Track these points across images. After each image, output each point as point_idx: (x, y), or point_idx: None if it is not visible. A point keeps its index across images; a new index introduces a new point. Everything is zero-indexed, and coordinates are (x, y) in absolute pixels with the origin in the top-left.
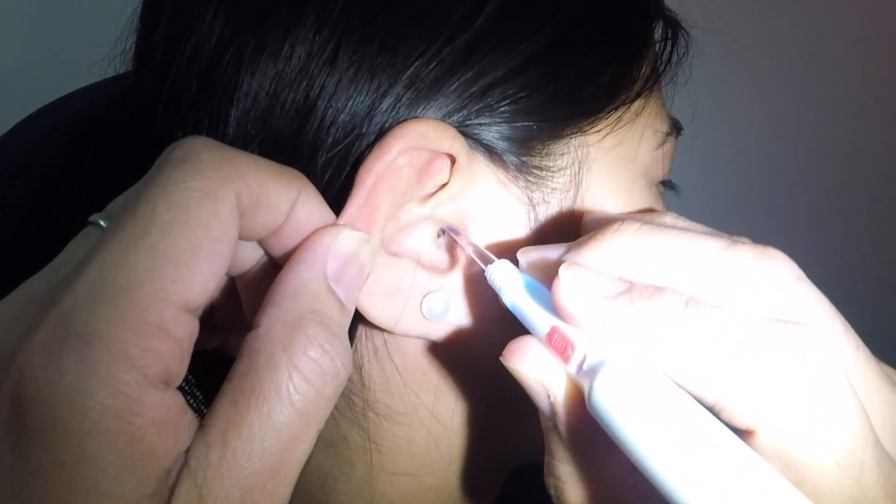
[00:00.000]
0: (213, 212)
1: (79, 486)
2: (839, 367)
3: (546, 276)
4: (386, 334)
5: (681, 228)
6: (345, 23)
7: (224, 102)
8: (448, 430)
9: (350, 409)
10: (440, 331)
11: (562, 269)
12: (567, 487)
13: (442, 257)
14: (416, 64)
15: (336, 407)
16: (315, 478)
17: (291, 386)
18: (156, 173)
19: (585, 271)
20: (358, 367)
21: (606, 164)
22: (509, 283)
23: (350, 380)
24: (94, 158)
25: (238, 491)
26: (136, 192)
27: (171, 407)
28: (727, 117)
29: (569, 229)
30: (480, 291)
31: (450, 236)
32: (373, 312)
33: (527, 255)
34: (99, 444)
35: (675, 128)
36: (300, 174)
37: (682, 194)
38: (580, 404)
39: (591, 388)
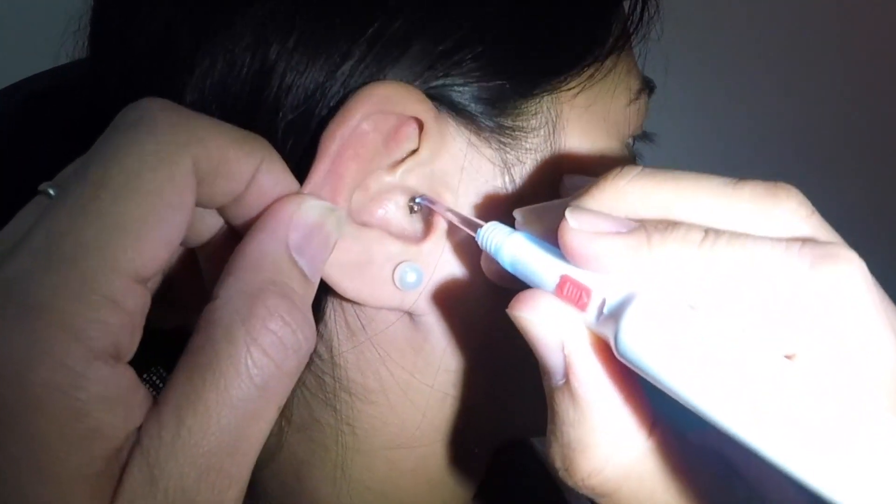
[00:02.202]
0: (167, 177)
1: (20, 465)
2: (872, 286)
3: (546, 230)
4: (357, 308)
5: (681, 172)
6: None
7: (180, 69)
8: (425, 408)
9: (321, 389)
10: (414, 302)
11: (568, 212)
12: (577, 455)
13: (415, 226)
14: (378, 23)
15: (307, 388)
16: (289, 466)
17: (250, 360)
18: (108, 136)
19: (593, 212)
20: (328, 344)
21: (580, 123)
22: (506, 242)
23: (320, 358)
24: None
25: (193, 471)
26: (85, 157)
27: (121, 382)
28: (701, 72)
29: (546, 189)
30: (460, 258)
31: (426, 206)
32: (342, 285)
33: (524, 212)
34: (41, 420)
35: (647, 85)
36: (264, 140)
37: (658, 144)
38: (600, 349)
39: (618, 328)
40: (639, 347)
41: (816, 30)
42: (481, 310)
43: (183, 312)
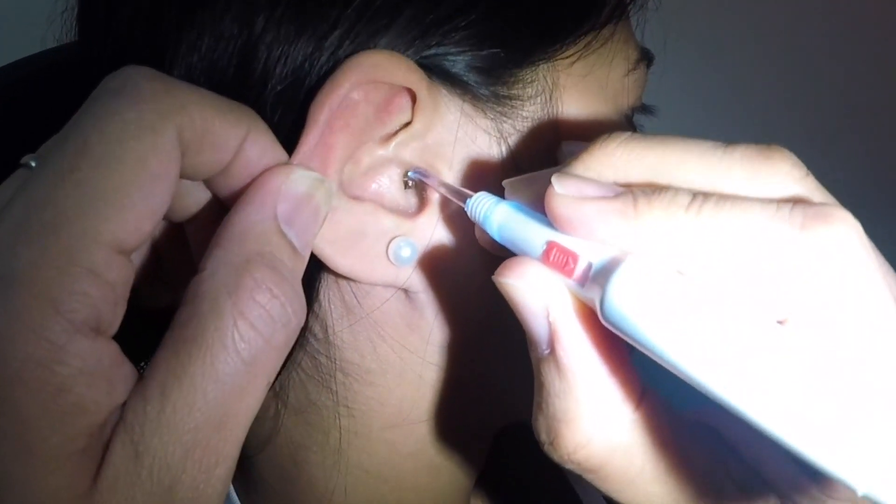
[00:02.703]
0: (151, 146)
1: (1, 442)
2: (869, 248)
3: (535, 199)
4: (352, 285)
5: (671, 136)
6: None
7: (167, 43)
8: (422, 387)
9: (317, 371)
10: (408, 277)
11: (554, 178)
12: (563, 427)
13: (409, 200)
14: None
15: (303, 369)
16: (286, 450)
17: (237, 333)
18: (89, 105)
19: (580, 178)
20: (323, 323)
21: (577, 91)
22: (493, 211)
23: (315, 338)
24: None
25: (179, 448)
26: (65, 127)
27: (104, 357)
28: (701, 39)
29: (543, 157)
30: (455, 232)
31: (419, 179)
32: (334, 259)
33: (513, 182)
34: (21, 395)
35: (646, 56)
36: (250, 110)
37: (659, 116)
38: (586, 318)
39: (604, 291)
40: (624, 311)
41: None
42: (476, 285)
43: (175, 290)
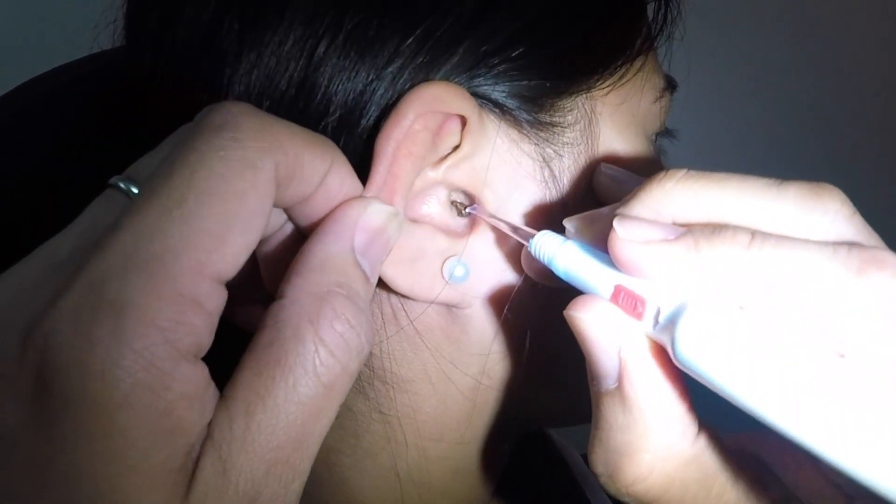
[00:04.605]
0: (251, 183)
1: (108, 460)
2: None
3: (597, 238)
4: (398, 299)
5: (726, 174)
6: None
7: (226, 61)
8: (457, 398)
9: (356, 378)
10: (462, 295)
11: (615, 222)
12: (624, 460)
13: (458, 220)
14: (428, 23)
15: None
16: (319, 453)
17: (318, 359)
18: (192, 138)
19: (640, 220)
20: None
21: (613, 119)
22: (558, 252)
23: None
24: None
25: (262, 464)
26: (170, 158)
27: (200, 381)
28: (723, 71)
29: (584, 181)
30: (502, 251)
31: (477, 215)
32: (396, 280)
33: (573, 221)
34: (129, 417)
35: (670, 84)
36: (332, 143)
37: (680, 139)
38: (659, 358)
39: (674, 337)
40: (696, 354)
41: (834, 29)
42: (520, 304)
43: (237, 302)
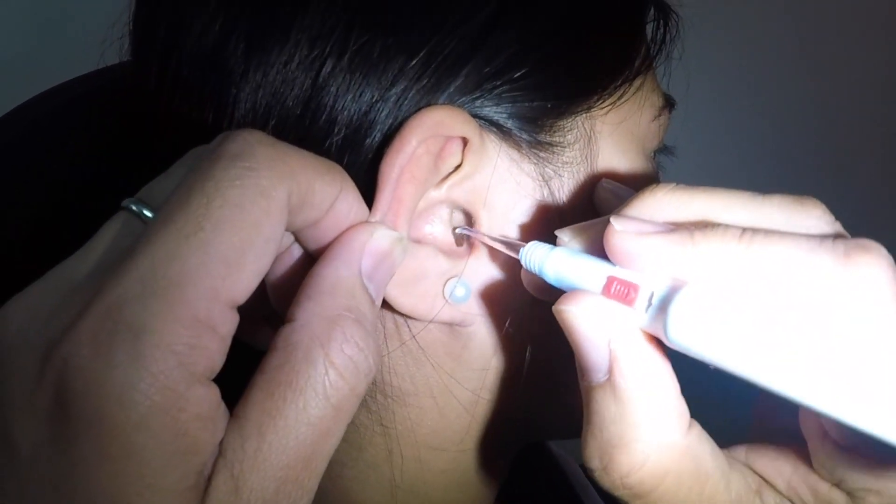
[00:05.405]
0: (265, 211)
1: (124, 480)
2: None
3: (588, 244)
4: (399, 317)
5: (713, 187)
6: (353, 8)
7: (232, 80)
8: (458, 411)
9: None
10: (463, 314)
11: (613, 218)
12: (617, 452)
13: (459, 240)
14: (432, 44)
15: None
16: None
17: (328, 381)
18: (209, 166)
19: (635, 218)
20: None
21: (612, 138)
22: (547, 258)
23: None
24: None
25: (273, 483)
26: (186, 183)
27: (213, 401)
28: (721, 88)
29: (583, 199)
30: (501, 270)
31: (468, 234)
32: (399, 300)
33: (565, 231)
34: (146, 438)
35: (669, 102)
36: (341, 170)
37: (678, 156)
38: (649, 344)
39: (669, 313)
40: (692, 330)
41: (833, 48)
42: (519, 319)
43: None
